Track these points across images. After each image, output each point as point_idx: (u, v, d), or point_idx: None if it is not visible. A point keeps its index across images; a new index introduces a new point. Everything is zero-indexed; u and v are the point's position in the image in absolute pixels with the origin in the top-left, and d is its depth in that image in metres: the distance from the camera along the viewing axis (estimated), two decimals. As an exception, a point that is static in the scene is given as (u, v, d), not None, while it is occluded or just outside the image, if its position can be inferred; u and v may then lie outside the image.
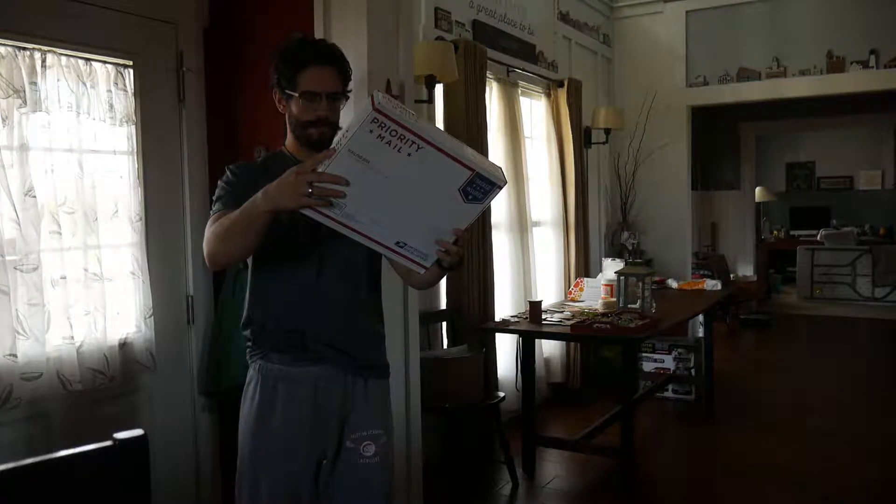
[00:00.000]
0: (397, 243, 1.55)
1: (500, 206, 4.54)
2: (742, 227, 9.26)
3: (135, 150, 2.73)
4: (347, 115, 1.75)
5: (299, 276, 1.82)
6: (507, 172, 4.59)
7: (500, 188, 1.53)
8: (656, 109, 6.14)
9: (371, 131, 1.41)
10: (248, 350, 1.91)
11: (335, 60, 1.83)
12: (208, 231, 1.74)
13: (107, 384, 2.61)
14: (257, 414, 1.85)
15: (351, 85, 1.90)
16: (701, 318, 5.10)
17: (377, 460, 1.89)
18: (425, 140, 1.45)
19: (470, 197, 1.52)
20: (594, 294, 4.40)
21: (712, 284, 4.97)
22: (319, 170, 1.45)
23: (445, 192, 1.51)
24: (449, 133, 4.26)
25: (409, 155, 1.44)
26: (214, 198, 1.85)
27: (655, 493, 3.65)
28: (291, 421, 1.83)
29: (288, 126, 1.87)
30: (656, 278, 4.74)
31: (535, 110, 5.30)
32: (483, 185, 1.51)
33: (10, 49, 2.34)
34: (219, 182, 1.87)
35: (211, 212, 1.82)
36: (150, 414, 2.81)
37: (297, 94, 1.79)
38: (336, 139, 1.52)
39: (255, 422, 1.85)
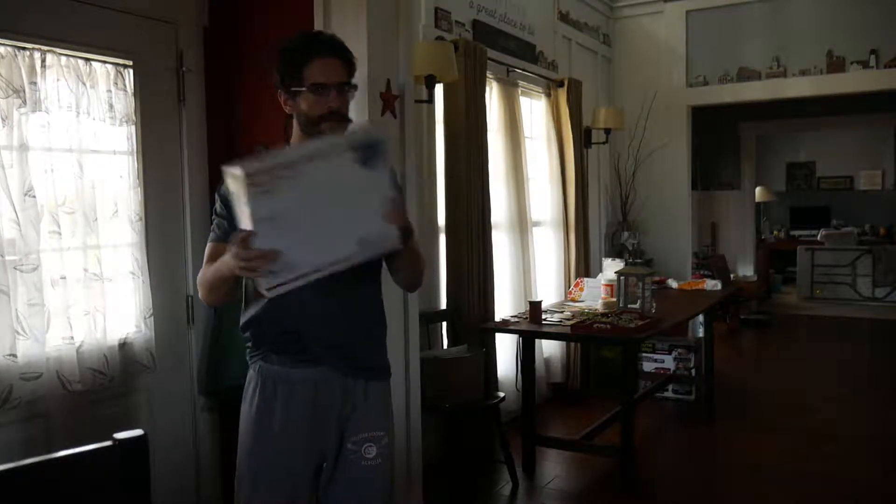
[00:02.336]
0: (358, 243, 1.58)
1: (500, 206, 4.54)
2: (742, 227, 9.25)
3: (135, 150, 2.73)
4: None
5: None
6: (507, 172, 4.60)
7: (383, 140, 1.60)
8: (656, 109, 6.13)
9: (255, 194, 1.46)
10: (247, 351, 1.91)
11: (340, 51, 1.82)
12: (200, 274, 1.82)
13: (107, 384, 2.61)
14: (257, 415, 1.84)
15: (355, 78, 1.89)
16: (701, 318, 5.10)
17: (379, 462, 1.89)
18: (296, 160, 1.50)
19: (369, 163, 1.56)
20: (594, 294, 4.40)
21: (712, 284, 4.97)
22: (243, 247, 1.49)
23: (349, 176, 1.55)
24: (447, 133, 4.24)
25: (296, 181, 1.49)
26: (212, 218, 1.88)
27: (655, 493, 3.65)
28: (291, 422, 1.83)
29: (297, 125, 1.85)
30: (656, 278, 4.74)
31: (535, 110, 5.30)
32: (369, 147, 1.57)
33: (9, 49, 2.34)
34: (216, 197, 1.88)
35: (209, 238, 1.87)
36: (150, 414, 2.81)
37: (304, 89, 1.77)
38: (242, 222, 1.54)
39: (255, 423, 1.85)
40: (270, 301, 1.83)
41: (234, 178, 1.49)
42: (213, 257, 1.77)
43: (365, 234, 1.58)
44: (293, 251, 1.51)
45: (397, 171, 2.88)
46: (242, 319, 1.90)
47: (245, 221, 1.51)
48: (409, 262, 1.84)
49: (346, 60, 1.83)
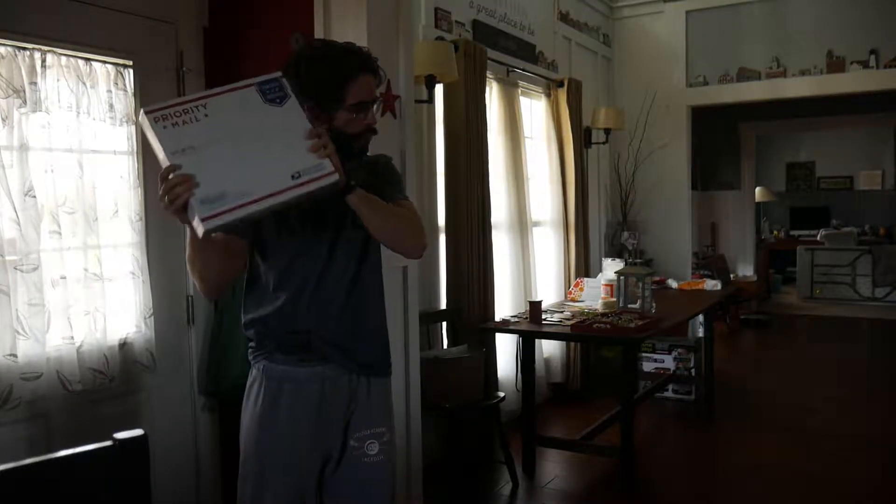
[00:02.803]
0: (293, 177, 1.55)
1: (500, 206, 4.54)
2: (742, 227, 9.25)
3: (135, 150, 2.73)
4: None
5: (303, 277, 1.81)
6: (507, 172, 4.60)
7: (282, 76, 1.64)
8: (656, 109, 6.14)
9: (164, 128, 1.51)
10: (250, 351, 1.90)
11: (375, 66, 1.83)
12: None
13: (107, 384, 2.61)
14: (261, 414, 1.83)
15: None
16: (701, 318, 5.10)
17: (381, 458, 1.89)
18: (200, 98, 1.56)
19: (278, 101, 1.60)
20: (594, 294, 4.39)
21: (712, 284, 4.97)
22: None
23: (262, 114, 1.58)
24: (447, 133, 4.24)
25: (206, 115, 1.54)
26: None
27: (655, 493, 3.65)
28: (297, 421, 1.82)
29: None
30: (656, 278, 4.74)
31: (535, 110, 5.30)
32: (271, 85, 1.61)
33: (10, 49, 2.34)
34: None
35: None
36: (150, 414, 2.81)
37: (342, 108, 1.76)
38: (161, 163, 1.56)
39: (260, 422, 1.84)
40: (274, 301, 1.82)
41: (143, 123, 1.52)
42: (193, 238, 1.71)
43: (297, 168, 1.55)
44: (220, 181, 1.49)
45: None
46: (244, 318, 1.89)
47: (161, 160, 1.53)
48: (370, 212, 1.72)
49: (378, 73, 1.85)
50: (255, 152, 1.54)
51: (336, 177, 1.58)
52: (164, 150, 1.50)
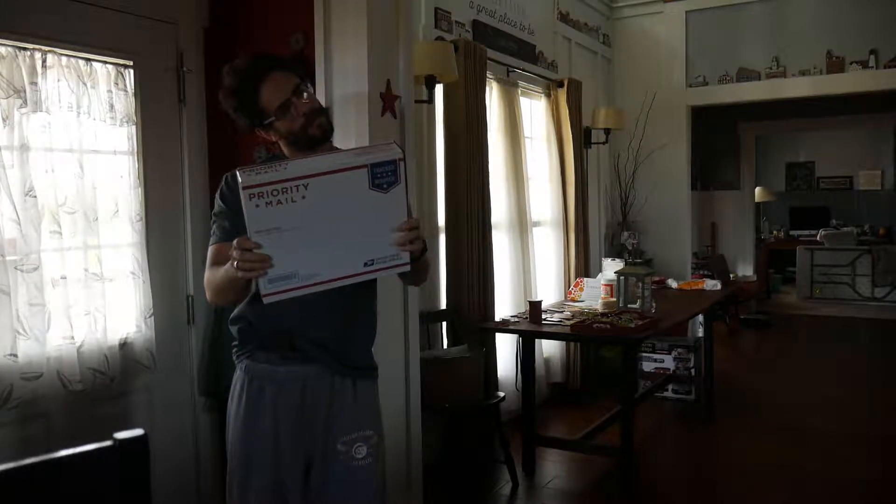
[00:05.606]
0: (366, 265, 1.56)
1: (500, 206, 4.54)
2: (742, 227, 9.25)
3: (135, 150, 2.73)
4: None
5: None
6: (507, 172, 4.60)
7: (402, 159, 1.53)
8: (656, 109, 6.13)
9: (257, 206, 1.45)
10: (234, 350, 1.90)
11: (271, 63, 1.80)
12: (206, 274, 1.81)
13: (107, 384, 2.61)
14: (245, 415, 1.85)
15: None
16: (701, 318, 5.10)
17: (370, 461, 1.88)
18: (303, 177, 1.47)
19: (385, 185, 1.52)
20: (594, 294, 4.40)
21: (712, 284, 4.97)
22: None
23: (362, 198, 1.51)
24: (447, 133, 4.24)
25: (303, 198, 1.47)
26: (212, 221, 1.87)
27: (655, 493, 3.65)
28: (278, 421, 1.83)
29: (285, 146, 1.85)
30: (656, 278, 4.74)
31: (535, 110, 5.30)
32: (385, 168, 1.51)
33: (10, 49, 2.34)
34: (215, 199, 1.87)
35: (210, 241, 1.86)
36: (150, 414, 2.81)
37: (273, 118, 1.77)
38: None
39: (244, 423, 1.85)
40: (260, 299, 1.83)
41: (239, 192, 1.48)
42: (218, 259, 1.76)
43: (374, 256, 1.56)
44: (295, 262, 1.51)
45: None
46: (232, 314, 1.90)
47: (248, 228, 1.51)
48: (415, 273, 1.80)
49: (282, 64, 1.81)
50: (338, 236, 1.52)
51: (408, 267, 1.60)
52: (250, 228, 1.48)
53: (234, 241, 1.52)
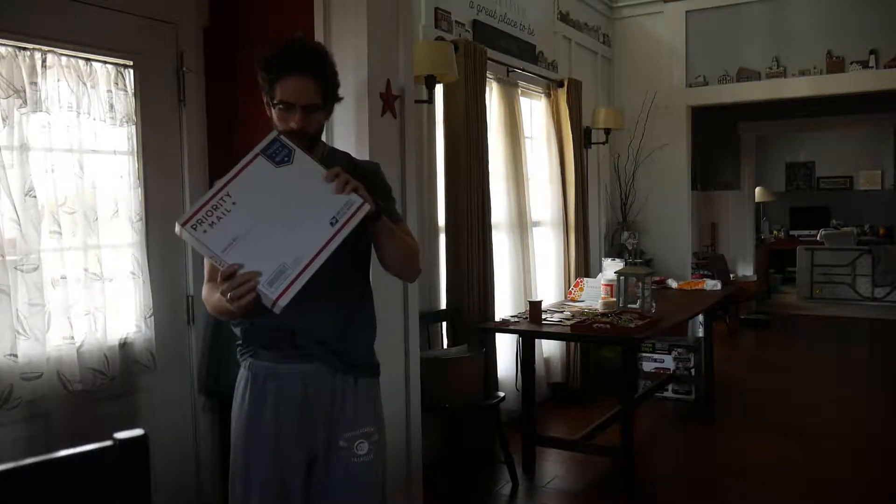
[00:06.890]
0: (332, 224, 1.62)
1: (500, 206, 4.54)
2: (742, 227, 9.25)
3: (135, 150, 2.73)
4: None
5: None
6: (507, 172, 4.60)
7: (278, 136, 1.70)
8: (656, 109, 6.14)
9: (205, 231, 1.57)
10: (238, 348, 1.92)
11: (314, 70, 1.78)
12: (204, 291, 1.90)
13: (107, 384, 2.61)
14: (248, 413, 1.86)
15: (341, 92, 1.90)
16: (701, 318, 5.10)
17: (371, 458, 1.90)
18: (220, 189, 1.62)
19: (286, 158, 1.66)
20: (594, 294, 4.40)
21: (712, 284, 4.97)
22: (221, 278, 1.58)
23: (279, 177, 1.64)
24: (447, 133, 4.25)
25: (234, 203, 1.60)
26: None
27: (655, 493, 3.65)
28: (281, 419, 1.84)
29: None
30: (656, 278, 4.74)
31: (535, 110, 5.30)
32: (273, 148, 1.67)
33: (10, 49, 2.34)
34: None
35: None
36: (150, 414, 2.81)
37: (275, 103, 1.79)
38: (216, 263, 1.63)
39: (246, 420, 1.86)
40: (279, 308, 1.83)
41: (184, 237, 1.57)
42: (213, 275, 1.82)
43: (331, 212, 1.62)
44: (274, 258, 1.57)
45: (396, 171, 2.89)
46: None
47: (216, 261, 1.58)
48: (388, 240, 1.81)
49: (322, 79, 1.80)
50: (291, 216, 1.61)
51: (368, 206, 1.65)
52: (214, 250, 1.56)
53: (218, 279, 1.59)
